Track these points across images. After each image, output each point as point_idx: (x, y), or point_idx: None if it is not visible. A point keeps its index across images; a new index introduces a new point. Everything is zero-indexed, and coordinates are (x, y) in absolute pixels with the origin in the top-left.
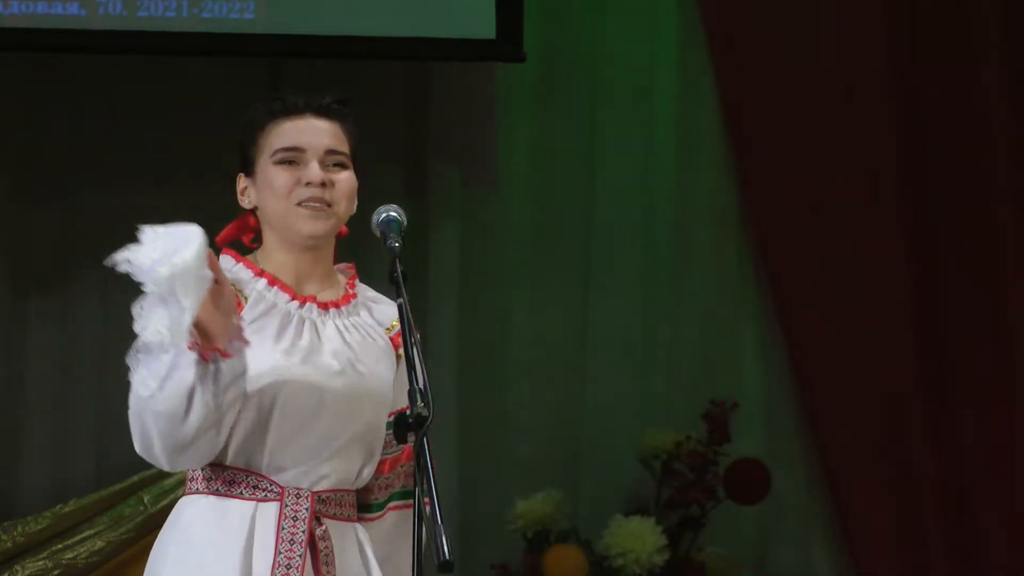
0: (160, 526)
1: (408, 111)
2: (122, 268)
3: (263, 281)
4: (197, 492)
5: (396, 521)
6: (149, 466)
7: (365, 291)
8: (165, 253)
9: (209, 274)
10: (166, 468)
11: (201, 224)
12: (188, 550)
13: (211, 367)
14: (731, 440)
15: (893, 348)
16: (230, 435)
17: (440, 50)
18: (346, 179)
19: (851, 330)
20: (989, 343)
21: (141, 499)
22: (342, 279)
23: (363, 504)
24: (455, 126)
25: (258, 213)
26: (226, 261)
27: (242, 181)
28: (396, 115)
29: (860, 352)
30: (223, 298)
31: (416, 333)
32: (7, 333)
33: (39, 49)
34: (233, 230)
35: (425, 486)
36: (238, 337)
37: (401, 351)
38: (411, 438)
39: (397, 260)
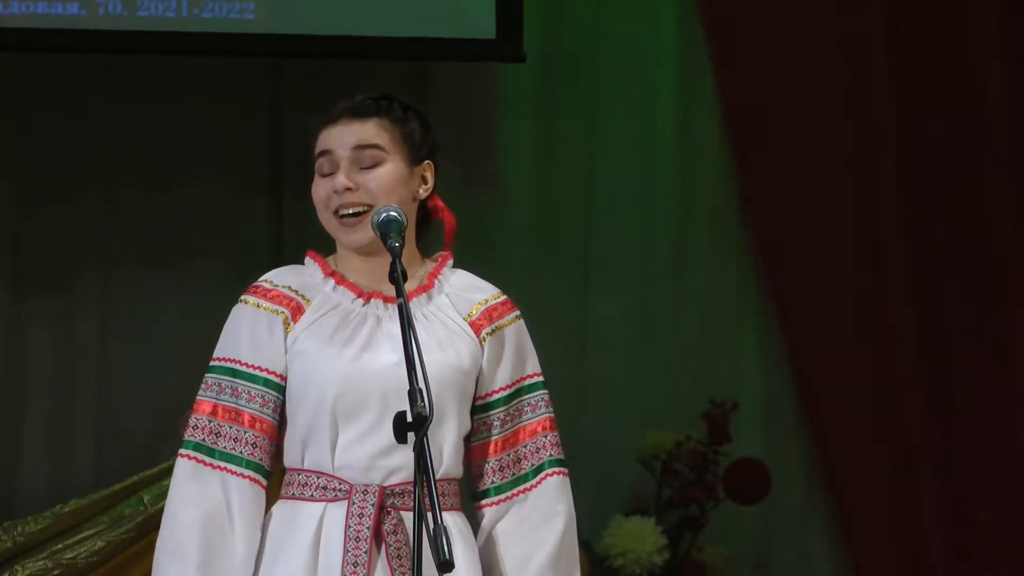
0: (160, 526)
1: None
2: None
3: (331, 281)
4: (281, 498)
5: (535, 502)
6: (149, 466)
7: (459, 279)
8: None
9: None
10: None
11: (200, 222)
12: (264, 555)
13: None
14: (731, 440)
15: (893, 348)
16: (299, 441)
17: (440, 50)
18: (382, 174)
19: (851, 330)
20: (989, 343)
21: (141, 499)
22: (426, 269)
23: (475, 493)
24: (455, 126)
25: None
26: (309, 263)
27: None
28: None
29: (860, 352)
30: None
31: (416, 332)
32: (7, 333)
33: (39, 49)
34: None
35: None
36: None
37: (485, 333)
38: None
39: (397, 260)
